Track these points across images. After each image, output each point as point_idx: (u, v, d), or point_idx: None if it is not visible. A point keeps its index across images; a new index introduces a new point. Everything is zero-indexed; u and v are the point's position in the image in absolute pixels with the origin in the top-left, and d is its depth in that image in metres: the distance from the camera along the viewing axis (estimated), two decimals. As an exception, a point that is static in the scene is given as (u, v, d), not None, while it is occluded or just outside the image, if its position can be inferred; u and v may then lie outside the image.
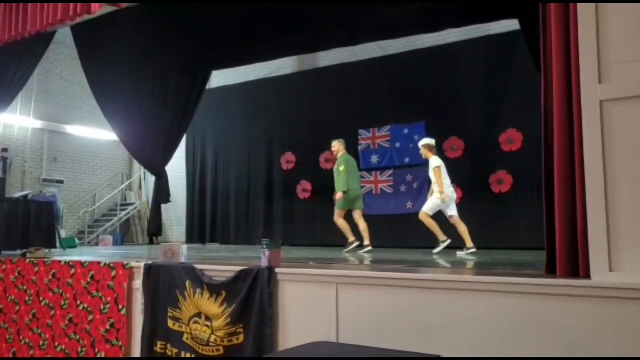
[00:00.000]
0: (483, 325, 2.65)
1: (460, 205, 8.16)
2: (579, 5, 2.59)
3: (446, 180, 6.15)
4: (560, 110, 2.66)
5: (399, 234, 8.57)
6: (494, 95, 8.08)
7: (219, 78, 10.54)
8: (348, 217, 6.94)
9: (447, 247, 6.00)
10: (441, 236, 6.11)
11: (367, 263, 4.67)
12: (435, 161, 6.19)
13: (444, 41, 8.36)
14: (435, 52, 8.46)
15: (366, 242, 6.70)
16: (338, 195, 6.79)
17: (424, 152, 6.41)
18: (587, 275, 2.48)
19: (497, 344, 2.60)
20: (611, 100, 2.46)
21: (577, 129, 2.56)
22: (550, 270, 2.73)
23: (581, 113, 2.54)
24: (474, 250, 5.86)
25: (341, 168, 6.82)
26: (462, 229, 6.02)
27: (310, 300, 3.25)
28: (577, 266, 2.54)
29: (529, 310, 2.54)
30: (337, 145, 7.17)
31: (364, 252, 6.53)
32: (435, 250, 6.06)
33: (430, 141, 6.46)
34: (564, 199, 2.62)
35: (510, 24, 6.73)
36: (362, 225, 6.79)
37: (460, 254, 5.75)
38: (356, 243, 6.74)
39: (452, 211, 6.15)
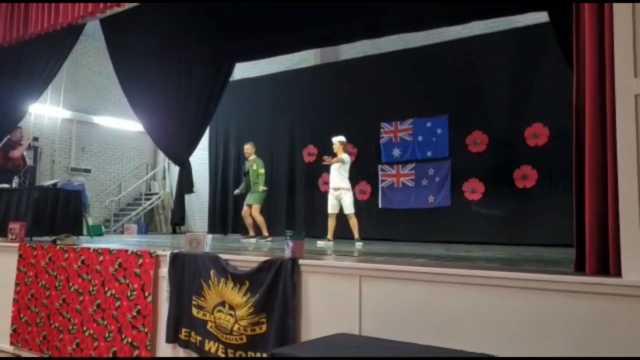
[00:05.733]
0: (508, 322, 2.63)
1: (483, 201, 8.20)
2: (615, -3, 2.53)
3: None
4: (592, 105, 2.61)
5: (421, 228, 8.53)
6: (519, 89, 7.94)
7: (242, 70, 10.58)
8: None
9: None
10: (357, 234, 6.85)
11: (389, 257, 4.67)
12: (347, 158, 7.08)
13: (469, 34, 8.25)
14: (459, 45, 8.34)
15: (266, 233, 7.82)
16: (262, 188, 7.84)
17: (339, 148, 7.12)
18: (618, 274, 2.44)
19: (522, 341, 2.58)
20: (647, 94, 2.41)
21: (610, 124, 2.51)
22: (580, 268, 2.69)
23: (615, 108, 2.49)
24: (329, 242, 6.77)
25: (261, 170, 7.87)
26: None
27: (333, 292, 3.27)
28: (608, 264, 2.50)
29: (557, 308, 2.51)
30: (250, 148, 8.08)
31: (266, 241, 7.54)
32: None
33: (344, 139, 7.28)
34: (595, 195, 2.57)
35: (537, 17, 6.61)
36: (260, 219, 7.83)
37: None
38: (270, 239, 7.69)
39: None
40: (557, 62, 4.24)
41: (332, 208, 7.05)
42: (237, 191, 8.48)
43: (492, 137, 8.16)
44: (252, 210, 7.84)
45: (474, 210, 8.07)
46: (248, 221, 7.92)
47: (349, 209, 6.93)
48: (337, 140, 7.25)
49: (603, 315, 2.40)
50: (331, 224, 7.02)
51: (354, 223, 6.86)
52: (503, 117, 8.09)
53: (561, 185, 7.13)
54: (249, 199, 7.93)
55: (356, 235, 6.79)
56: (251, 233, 7.92)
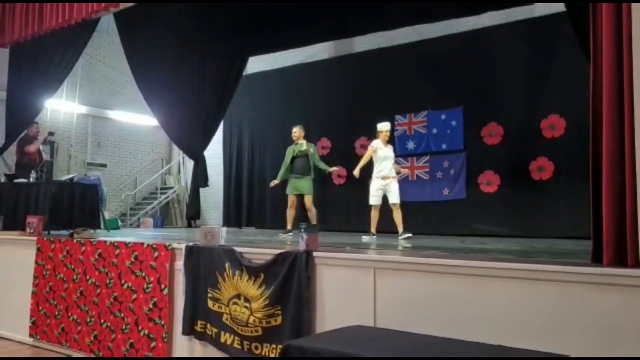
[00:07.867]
0: (525, 314, 2.61)
1: (498, 193, 8.14)
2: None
3: None
4: (610, 96, 2.57)
5: (435, 221, 8.49)
6: (535, 80, 7.84)
7: (256, 64, 10.58)
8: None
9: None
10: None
11: (404, 249, 4.66)
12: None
13: (483, 25, 8.13)
14: (474, 36, 8.24)
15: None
16: (333, 168, 7.48)
17: (386, 136, 6.63)
18: (636, 265, 2.41)
19: (538, 333, 2.55)
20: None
21: (628, 115, 2.47)
22: (597, 259, 2.66)
23: (632, 98, 2.45)
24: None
25: (317, 156, 7.49)
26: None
27: (348, 284, 3.27)
28: (625, 255, 2.47)
29: (574, 300, 2.49)
30: (299, 131, 7.58)
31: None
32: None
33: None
34: (613, 186, 2.54)
35: (552, 6, 6.50)
36: (314, 209, 7.33)
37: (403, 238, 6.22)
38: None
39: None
40: (574, 52, 4.17)
41: (376, 199, 6.44)
42: (275, 182, 7.45)
43: (508, 128, 8.08)
44: (305, 200, 7.22)
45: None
46: (292, 213, 7.25)
47: (396, 197, 6.36)
48: (385, 127, 6.68)
49: (620, 307, 2.37)
50: (375, 216, 6.45)
51: (398, 215, 6.34)
52: (519, 108, 7.99)
53: (578, 176, 7.02)
54: (300, 186, 7.21)
55: (401, 229, 6.31)
56: (289, 227, 7.17)
